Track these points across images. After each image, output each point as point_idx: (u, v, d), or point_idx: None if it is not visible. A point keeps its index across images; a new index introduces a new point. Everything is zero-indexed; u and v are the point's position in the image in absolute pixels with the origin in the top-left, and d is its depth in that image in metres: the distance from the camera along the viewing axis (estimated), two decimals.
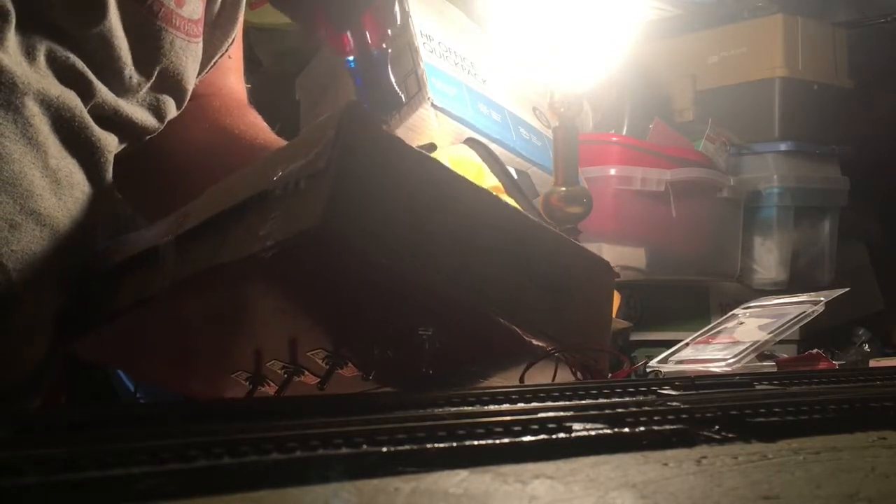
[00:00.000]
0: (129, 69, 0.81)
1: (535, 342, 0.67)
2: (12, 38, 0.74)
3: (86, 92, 0.79)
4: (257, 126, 0.98)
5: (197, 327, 0.76)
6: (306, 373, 0.72)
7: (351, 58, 0.76)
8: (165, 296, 0.71)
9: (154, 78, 0.84)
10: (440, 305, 0.65)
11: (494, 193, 0.70)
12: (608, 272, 0.76)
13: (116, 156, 0.86)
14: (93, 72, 0.79)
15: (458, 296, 0.64)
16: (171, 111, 0.88)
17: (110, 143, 0.82)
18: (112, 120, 0.82)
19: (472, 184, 0.68)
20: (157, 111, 0.86)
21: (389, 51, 0.77)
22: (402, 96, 0.77)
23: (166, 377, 0.89)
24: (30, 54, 0.75)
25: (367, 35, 0.76)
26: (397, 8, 0.76)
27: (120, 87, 0.82)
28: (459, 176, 0.67)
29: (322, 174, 0.59)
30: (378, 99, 0.77)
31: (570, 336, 0.70)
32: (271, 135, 0.98)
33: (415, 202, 0.63)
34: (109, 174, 0.83)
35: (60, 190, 0.78)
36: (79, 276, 0.81)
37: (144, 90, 0.84)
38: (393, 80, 0.77)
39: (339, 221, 0.59)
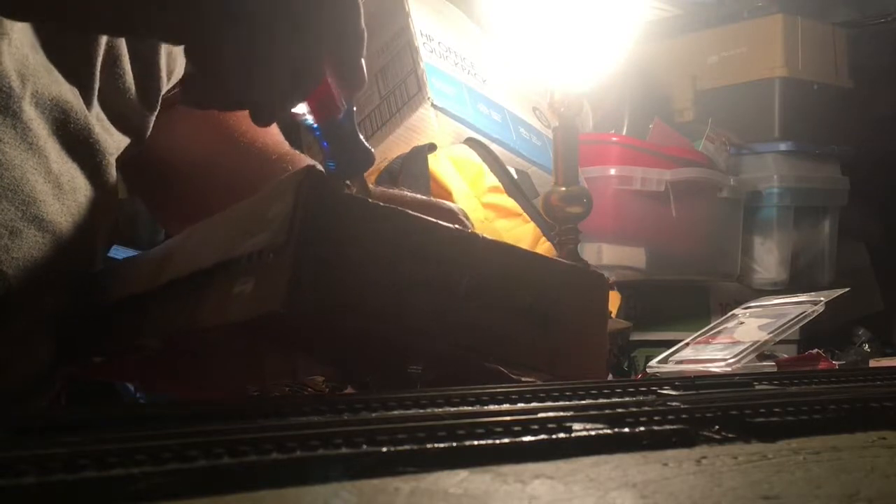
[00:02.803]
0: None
1: (522, 378, 0.68)
2: (17, 30, 0.73)
3: (89, 81, 0.78)
4: (250, 126, 0.97)
5: (190, 361, 0.76)
6: (310, 389, 0.73)
7: (315, 125, 0.74)
8: (154, 345, 0.72)
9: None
10: (423, 352, 0.65)
11: (471, 232, 0.69)
12: (601, 285, 0.75)
13: (126, 160, 0.85)
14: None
15: (439, 347, 0.64)
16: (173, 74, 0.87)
17: (111, 145, 0.82)
18: (119, 109, 0.82)
19: (446, 228, 0.67)
20: (150, 78, 0.85)
21: (354, 108, 0.75)
22: (373, 152, 0.75)
23: (168, 391, 0.90)
24: (34, 45, 0.74)
25: (329, 96, 0.73)
26: (364, 63, 0.73)
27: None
28: (432, 223, 0.66)
29: (283, 251, 0.59)
30: (348, 159, 0.74)
31: (561, 361, 0.70)
32: (274, 136, 0.97)
33: (386, 260, 0.62)
34: (112, 177, 0.83)
35: (63, 195, 0.78)
36: (81, 281, 0.81)
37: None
38: (362, 137, 0.74)
39: (303, 301, 0.58)
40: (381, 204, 0.64)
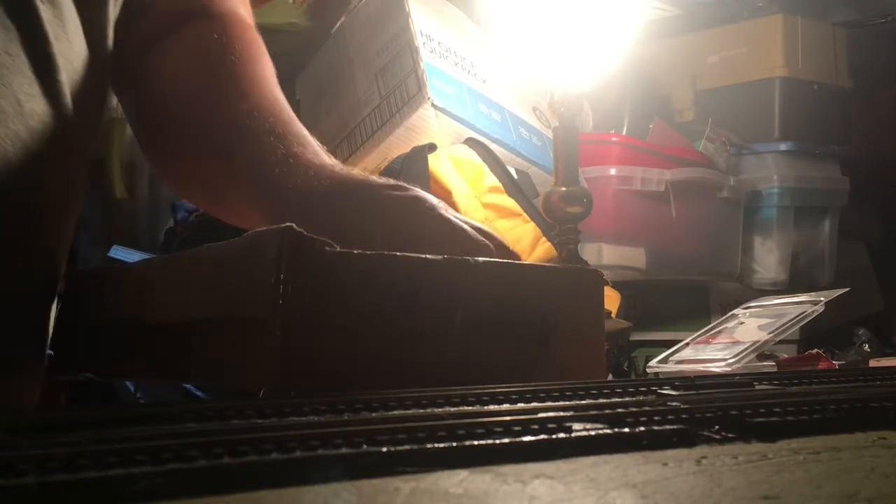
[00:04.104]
0: None
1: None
2: None
3: None
4: (245, 76, 0.88)
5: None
6: None
7: None
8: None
9: None
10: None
11: (462, 259, 0.67)
12: (597, 281, 0.75)
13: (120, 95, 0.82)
14: None
15: (434, 377, 0.64)
16: None
17: (63, 65, 0.76)
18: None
19: (435, 262, 0.65)
20: None
21: None
22: None
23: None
24: None
25: None
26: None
27: None
28: (420, 261, 0.65)
29: (268, 323, 0.58)
30: None
31: (561, 368, 0.69)
32: (263, 86, 0.88)
33: (375, 314, 0.62)
34: (67, 105, 0.77)
35: (6, 118, 0.72)
36: (50, 244, 0.77)
37: None
38: None
39: (295, 377, 0.58)
40: (366, 253, 0.62)
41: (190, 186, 0.95)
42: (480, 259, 0.69)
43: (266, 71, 0.90)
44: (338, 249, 0.61)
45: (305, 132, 0.86)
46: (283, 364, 0.58)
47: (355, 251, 0.62)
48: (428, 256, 0.65)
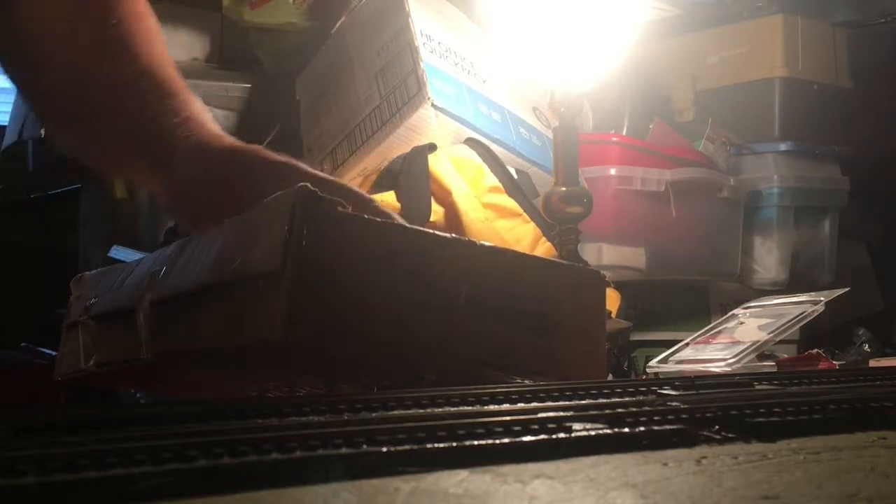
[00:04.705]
0: None
1: (521, 380, 0.68)
2: None
3: None
4: (133, 37, 0.83)
5: (184, 372, 0.76)
6: (308, 389, 0.73)
7: None
8: (148, 361, 0.72)
9: None
10: (424, 368, 0.65)
11: (468, 240, 0.68)
12: (598, 282, 0.75)
13: None
14: None
15: (438, 361, 0.64)
16: None
17: None
18: None
19: (442, 238, 0.66)
20: None
21: None
22: None
23: (165, 393, 0.90)
24: None
25: None
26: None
27: None
28: (427, 234, 0.65)
29: (279, 278, 0.59)
30: None
31: (562, 363, 0.70)
32: (154, 46, 0.83)
33: (382, 282, 0.62)
34: None
35: None
36: None
37: None
38: None
39: (300, 330, 0.58)
40: (377, 220, 0.63)
41: (77, 139, 0.90)
42: (486, 243, 0.69)
43: (155, 30, 0.86)
44: (349, 210, 0.62)
45: (197, 100, 0.83)
46: (291, 313, 0.58)
47: (366, 216, 0.63)
48: (437, 233, 0.66)
